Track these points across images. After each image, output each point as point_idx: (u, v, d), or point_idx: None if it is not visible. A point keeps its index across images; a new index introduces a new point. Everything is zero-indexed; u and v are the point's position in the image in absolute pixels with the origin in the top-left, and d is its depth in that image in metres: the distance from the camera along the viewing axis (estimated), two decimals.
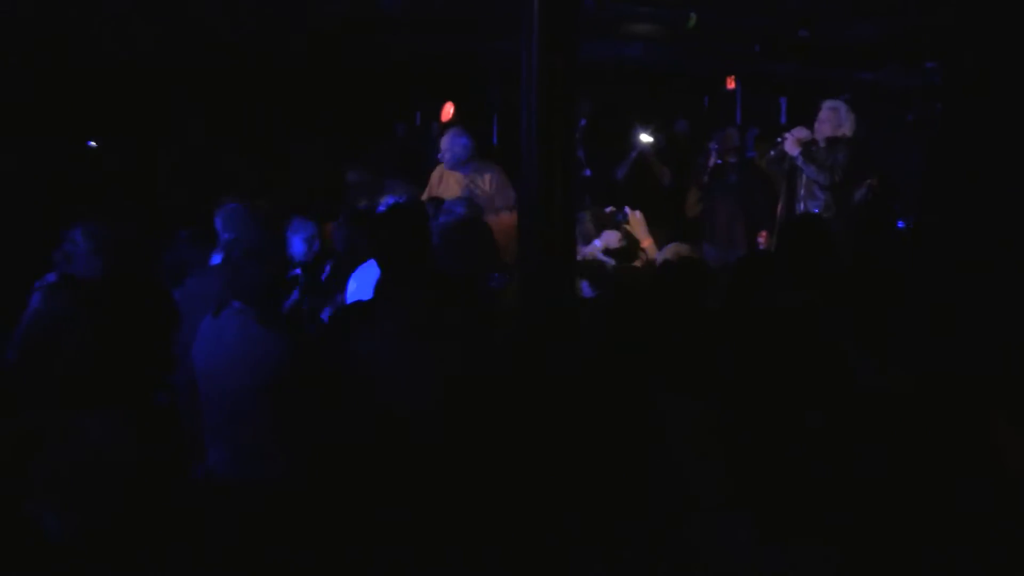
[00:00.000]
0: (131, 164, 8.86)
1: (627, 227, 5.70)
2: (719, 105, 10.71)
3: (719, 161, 8.87)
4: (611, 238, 5.54)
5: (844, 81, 9.60)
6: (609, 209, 5.80)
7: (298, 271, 5.47)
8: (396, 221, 4.34)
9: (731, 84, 9.97)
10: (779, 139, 7.67)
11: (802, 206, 7.48)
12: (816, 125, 7.56)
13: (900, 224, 8.51)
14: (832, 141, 7.45)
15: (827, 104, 7.63)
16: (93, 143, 9.29)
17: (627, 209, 5.72)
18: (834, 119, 7.52)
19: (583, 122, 9.43)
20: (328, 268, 5.89)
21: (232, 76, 8.89)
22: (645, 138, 9.48)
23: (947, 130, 7.51)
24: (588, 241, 5.62)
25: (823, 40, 8.55)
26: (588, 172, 9.48)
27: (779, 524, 3.43)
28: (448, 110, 9.56)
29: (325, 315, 5.20)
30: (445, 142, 7.93)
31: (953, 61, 7.23)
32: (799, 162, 7.42)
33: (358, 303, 4.62)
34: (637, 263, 5.58)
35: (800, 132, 7.58)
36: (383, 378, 4.11)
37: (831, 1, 7.85)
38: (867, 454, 3.49)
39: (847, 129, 7.50)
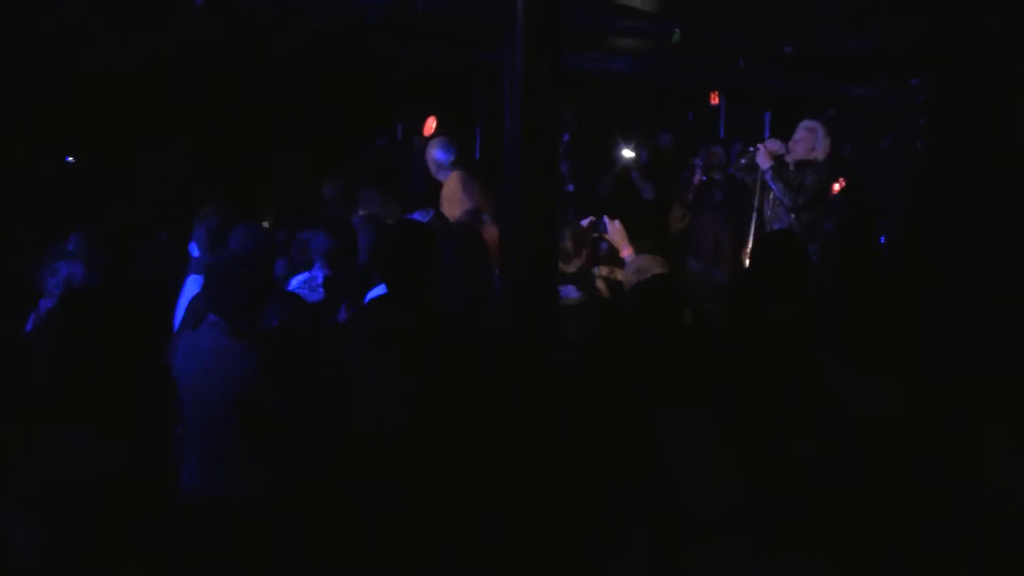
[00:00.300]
0: (111, 175, 8.77)
1: (607, 237, 5.74)
2: (703, 120, 10.68)
3: (704, 178, 8.86)
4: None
5: (829, 96, 9.60)
6: (587, 221, 5.77)
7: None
8: (398, 239, 4.43)
9: (715, 99, 9.94)
10: (751, 148, 7.63)
11: (766, 227, 7.49)
12: (791, 144, 7.56)
13: (882, 239, 8.49)
14: (803, 164, 7.44)
15: (804, 124, 7.63)
16: (71, 158, 9.21)
17: (606, 219, 5.73)
18: (809, 140, 7.51)
19: (566, 136, 9.37)
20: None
21: (210, 85, 8.81)
22: (627, 153, 9.45)
23: (932, 146, 7.55)
24: (566, 259, 5.58)
25: (808, 55, 8.51)
26: (571, 187, 9.42)
27: (771, 538, 3.46)
28: (430, 124, 9.48)
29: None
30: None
31: (938, 77, 7.28)
32: (768, 177, 7.40)
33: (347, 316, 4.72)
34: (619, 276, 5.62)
35: (773, 145, 7.56)
36: (358, 391, 4.14)
37: (816, 17, 7.81)
38: (855, 465, 3.51)
39: (820, 153, 7.49)
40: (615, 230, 5.70)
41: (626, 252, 5.61)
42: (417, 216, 6.16)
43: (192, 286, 5.51)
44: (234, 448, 4.18)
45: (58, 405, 2.81)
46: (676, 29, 7.89)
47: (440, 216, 6.44)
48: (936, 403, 3.55)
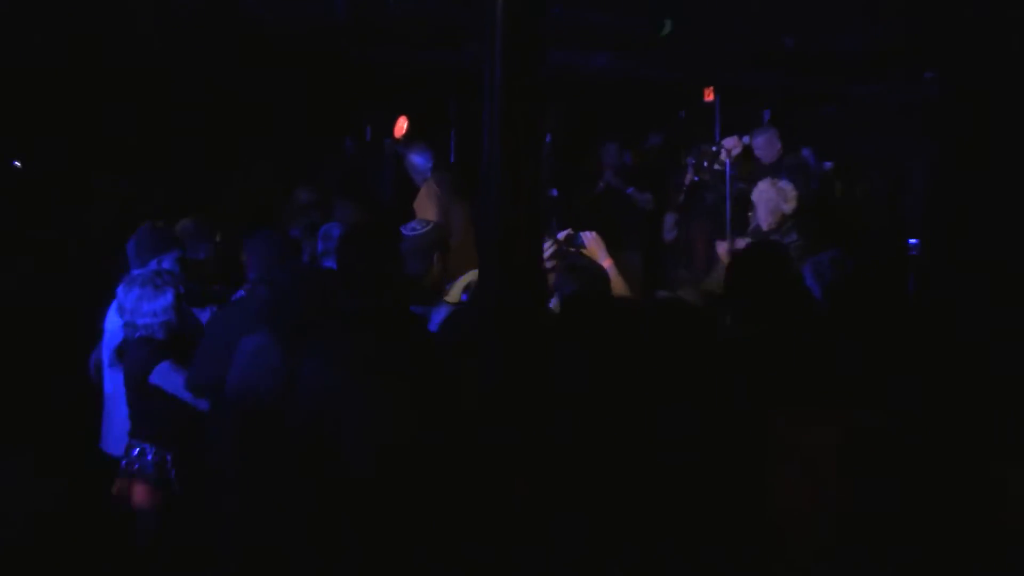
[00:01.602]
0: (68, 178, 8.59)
1: (584, 251, 5.59)
2: (696, 118, 10.29)
3: (696, 178, 8.45)
4: None
5: (830, 93, 9.36)
6: (563, 234, 5.59)
7: None
8: (355, 244, 4.32)
9: (709, 96, 9.52)
10: (713, 147, 8.04)
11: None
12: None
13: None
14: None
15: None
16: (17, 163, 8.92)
17: (583, 233, 5.59)
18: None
19: (548, 137, 8.97)
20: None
21: (173, 87, 8.59)
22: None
23: (945, 143, 7.15)
24: None
25: (809, 50, 8.21)
26: (555, 191, 9.06)
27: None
28: (401, 125, 9.05)
29: None
30: None
31: (949, 74, 6.90)
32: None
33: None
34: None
35: (730, 142, 7.90)
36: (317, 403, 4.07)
37: (817, 10, 7.51)
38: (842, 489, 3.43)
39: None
40: (592, 241, 5.54)
41: (606, 263, 5.44)
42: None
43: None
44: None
45: None
46: (667, 21, 7.63)
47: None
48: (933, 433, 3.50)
